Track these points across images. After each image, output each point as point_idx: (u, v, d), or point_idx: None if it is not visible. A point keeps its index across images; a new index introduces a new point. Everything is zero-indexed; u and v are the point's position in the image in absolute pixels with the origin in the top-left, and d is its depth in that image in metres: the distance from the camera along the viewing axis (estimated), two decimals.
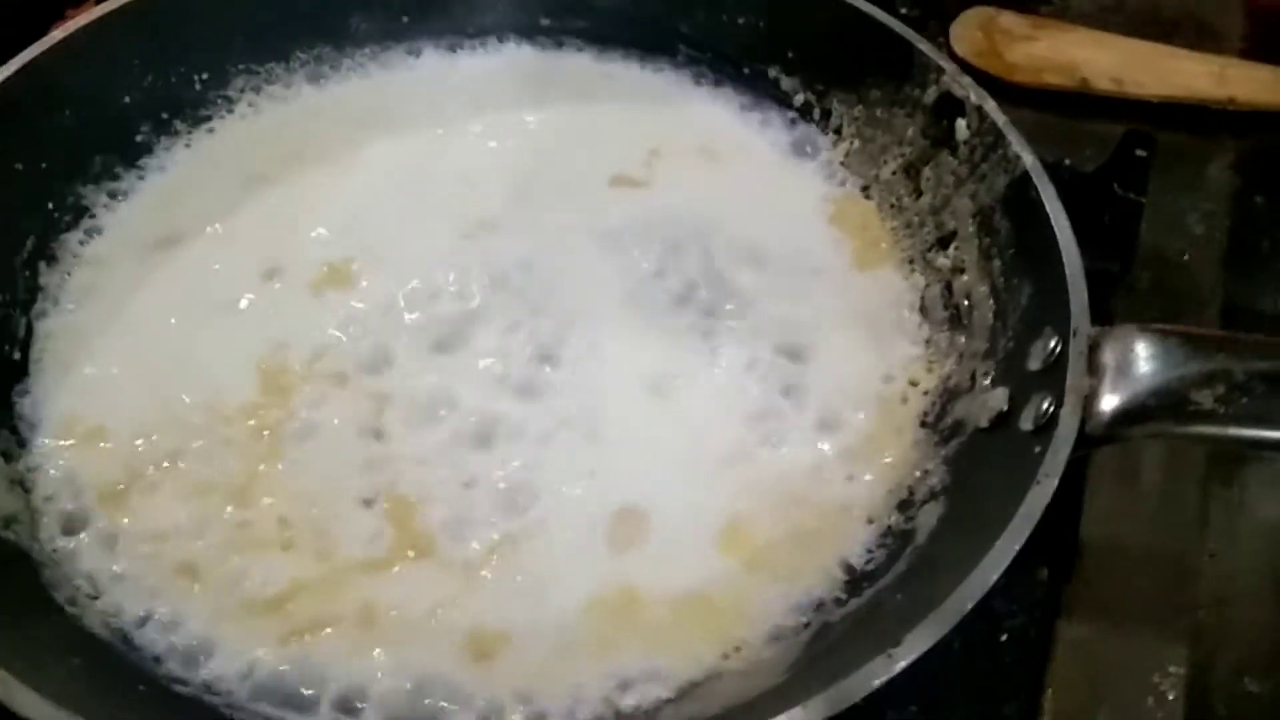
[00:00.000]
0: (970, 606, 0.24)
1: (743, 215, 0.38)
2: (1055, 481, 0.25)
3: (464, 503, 0.31)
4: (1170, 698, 0.32)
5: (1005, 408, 0.29)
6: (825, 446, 0.32)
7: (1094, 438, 0.26)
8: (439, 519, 0.30)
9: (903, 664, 0.23)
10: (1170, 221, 0.43)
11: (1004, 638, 0.31)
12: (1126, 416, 0.26)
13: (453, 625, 0.29)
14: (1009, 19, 0.48)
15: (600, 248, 0.37)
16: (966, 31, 0.48)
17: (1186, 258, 0.42)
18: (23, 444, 0.32)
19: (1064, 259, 0.29)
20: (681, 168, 0.39)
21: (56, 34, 0.36)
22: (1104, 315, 0.30)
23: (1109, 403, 0.27)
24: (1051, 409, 0.27)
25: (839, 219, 0.38)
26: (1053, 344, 0.28)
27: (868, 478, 0.31)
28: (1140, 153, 0.44)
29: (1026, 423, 0.28)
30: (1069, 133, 0.46)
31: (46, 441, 0.32)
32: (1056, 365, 0.28)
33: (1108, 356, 0.27)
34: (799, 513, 0.30)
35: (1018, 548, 0.24)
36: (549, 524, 0.31)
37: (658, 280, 0.36)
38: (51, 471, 0.31)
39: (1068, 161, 0.43)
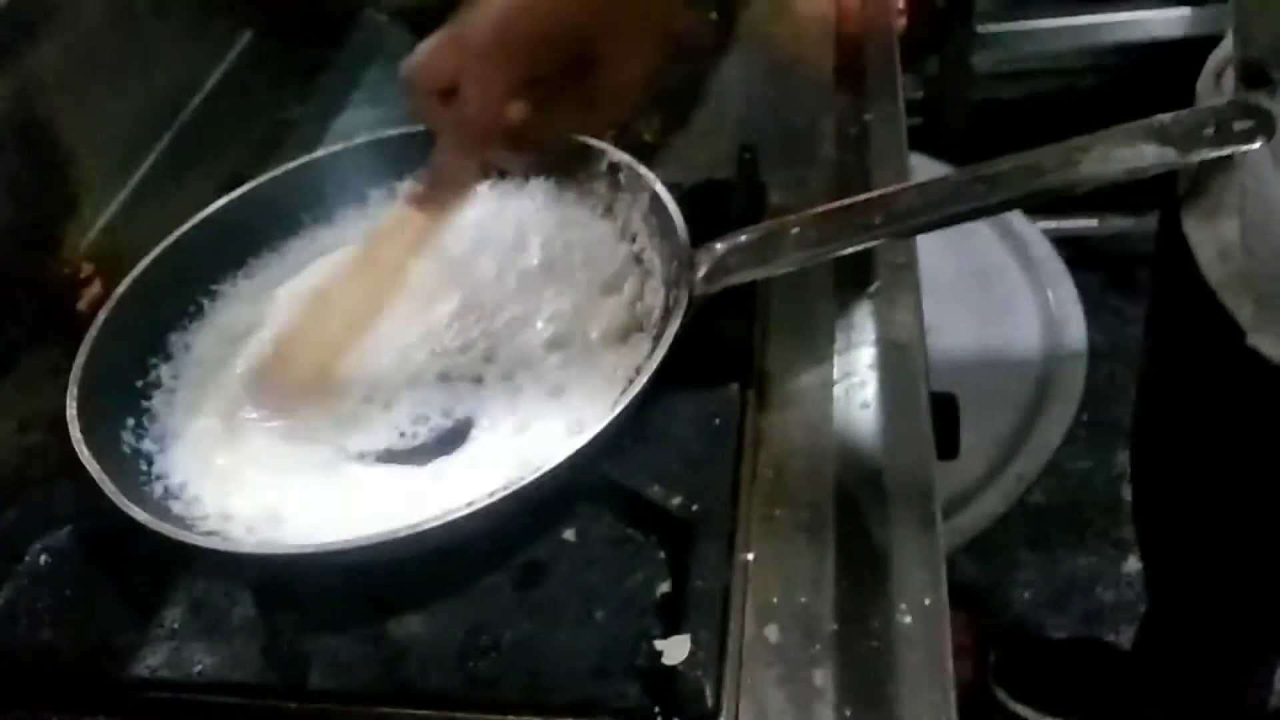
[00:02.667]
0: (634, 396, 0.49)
1: None
2: (680, 321, 0.52)
3: None
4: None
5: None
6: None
7: (695, 295, 0.53)
8: None
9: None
10: None
11: (715, 423, 0.56)
12: (707, 280, 0.53)
13: None
14: None
15: None
16: None
17: None
18: None
19: (676, 223, 0.57)
20: None
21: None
22: None
23: (700, 274, 0.53)
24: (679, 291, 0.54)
25: None
26: (676, 262, 0.55)
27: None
28: None
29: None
30: None
31: None
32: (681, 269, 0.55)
33: (699, 258, 0.54)
34: None
35: (657, 362, 0.50)
36: None
37: None
38: None
39: None
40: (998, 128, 1.71)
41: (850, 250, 0.51)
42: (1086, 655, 1.28)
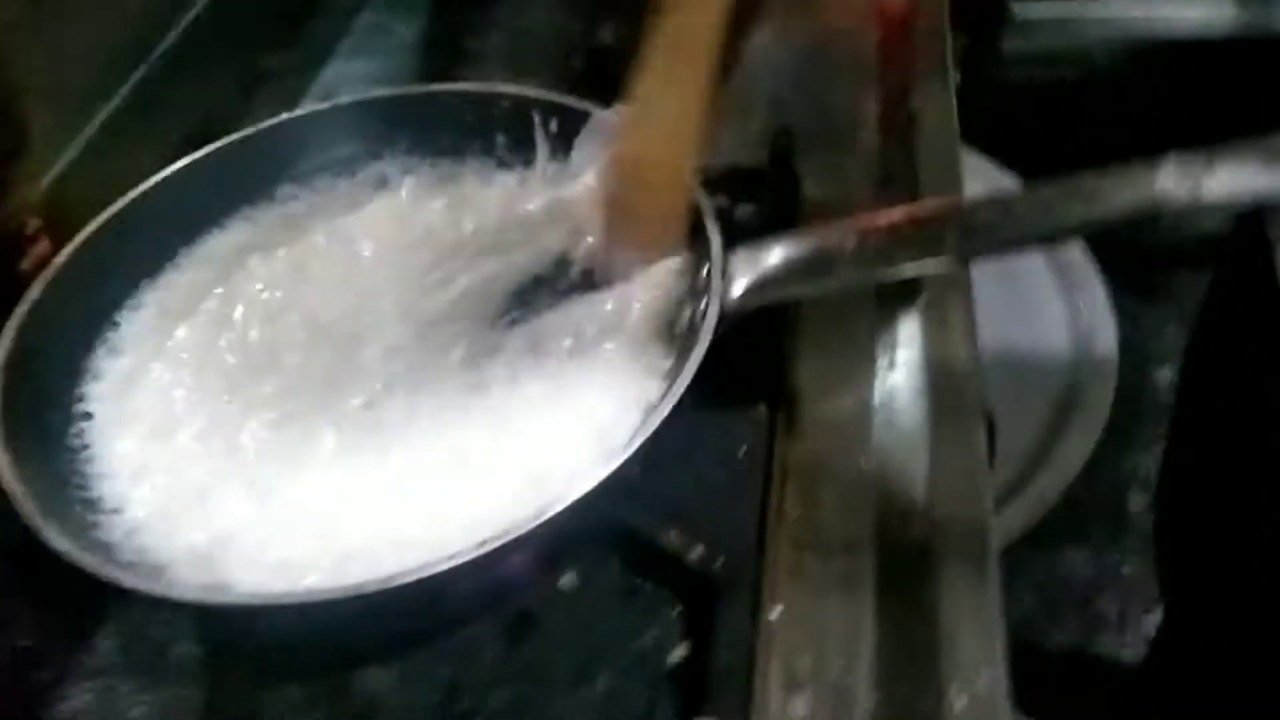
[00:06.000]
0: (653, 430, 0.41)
1: None
2: (708, 340, 0.44)
3: None
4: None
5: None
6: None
7: (729, 311, 0.45)
8: None
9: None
10: None
11: (740, 452, 0.49)
12: (745, 294, 0.45)
13: None
14: None
15: None
16: None
17: None
18: None
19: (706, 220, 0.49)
20: None
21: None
22: None
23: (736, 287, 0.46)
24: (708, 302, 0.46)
25: None
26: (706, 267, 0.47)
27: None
28: None
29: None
30: None
31: None
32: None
33: (735, 266, 0.46)
34: None
35: (680, 393, 0.42)
36: None
37: None
38: None
39: None
40: (1021, 110, 1.64)
41: (916, 272, 0.43)
42: (1091, 669, 1.22)
